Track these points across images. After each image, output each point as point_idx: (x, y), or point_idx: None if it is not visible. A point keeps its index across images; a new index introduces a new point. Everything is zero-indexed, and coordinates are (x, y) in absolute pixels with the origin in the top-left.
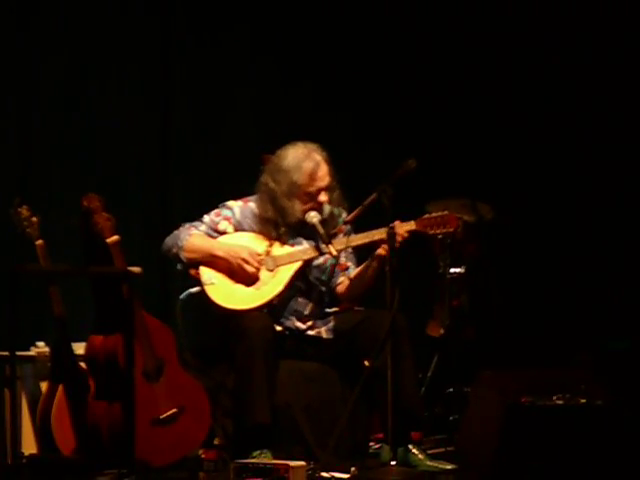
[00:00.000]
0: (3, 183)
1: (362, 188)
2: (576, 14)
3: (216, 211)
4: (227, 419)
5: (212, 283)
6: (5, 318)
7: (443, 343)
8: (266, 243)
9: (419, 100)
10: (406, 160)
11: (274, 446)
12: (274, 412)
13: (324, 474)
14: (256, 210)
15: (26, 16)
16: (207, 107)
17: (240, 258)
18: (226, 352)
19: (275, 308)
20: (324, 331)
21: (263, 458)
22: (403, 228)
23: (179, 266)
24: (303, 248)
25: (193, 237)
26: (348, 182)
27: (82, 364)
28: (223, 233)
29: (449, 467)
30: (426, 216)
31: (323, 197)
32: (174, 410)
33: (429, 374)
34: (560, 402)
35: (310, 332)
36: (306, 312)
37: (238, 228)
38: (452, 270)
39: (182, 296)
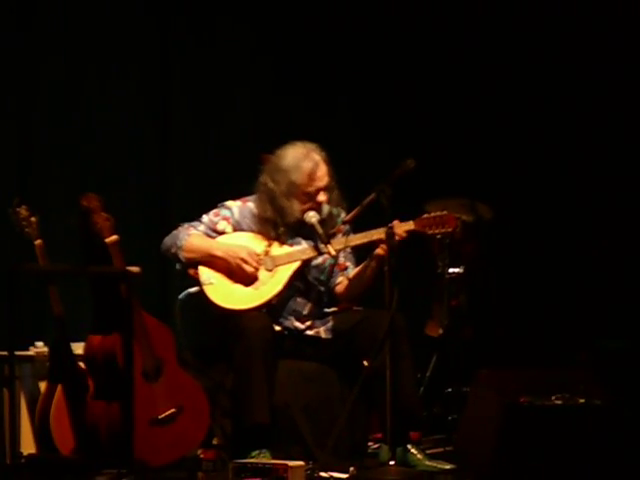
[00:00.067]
0: (2, 183)
1: (361, 188)
2: (575, 13)
3: (215, 211)
4: (226, 419)
5: (211, 283)
6: (4, 318)
7: (442, 343)
8: (265, 243)
9: (418, 100)
10: (405, 160)
11: (273, 446)
12: (273, 412)
13: (323, 474)
14: (255, 210)
15: (25, 16)
16: (206, 107)
17: (239, 258)
18: (225, 352)
19: (274, 308)
20: (323, 331)
21: (262, 458)
22: (402, 228)
23: (178, 266)
24: (302, 248)
25: (192, 237)
26: (347, 182)
27: (81, 364)
28: (222, 233)
29: (448, 467)
30: (425, 216)
31: (322, 197)
32: (173, 410)
33: (428, 374)
34: (559, 402)
35: (309, 332)
36: (305, 312)
37: (237, 228)
38: (451, 270)
39: (181, 296)
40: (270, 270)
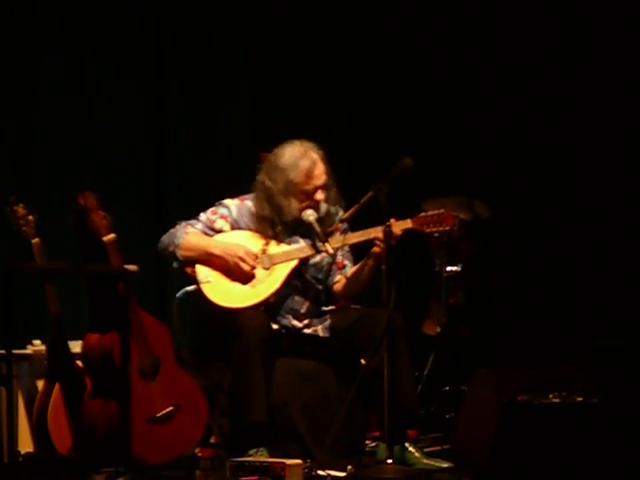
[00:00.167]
0: None
1: (358, 186)
2: (574, 11)
3: (213, 209)
4: (223, 417)
5: (208, 281)
6: (1, 316)
7: (439, 341)
8: (262, 241)
9: (416, 98)
10: (402, 158)
11: (270, 444)
12: (270, 410)
13: (320, 472)
14: (253, 208)
15: (24, 16)
16: (203, 106)
17: (236, 256)
18: (222, 350)
19: (271, 306)
20: (321, 329)
21: (259, 456)
22: (399, 226)
23: (175, 264)
24: (299, 246)
25: (189, 235)
26: (345, 180)
27: (78, 362)
28: (219, 231)
29: (445, 465)
30: (422, 214)
31: (320, 195)
32: (170, 408)
33: (425, 372)
34: (556, 400)
35: (307, 330)
36: (302, 310)
37: (235, 226)
38: (448, 268)
39: (178, 294)
40: (267, 268)
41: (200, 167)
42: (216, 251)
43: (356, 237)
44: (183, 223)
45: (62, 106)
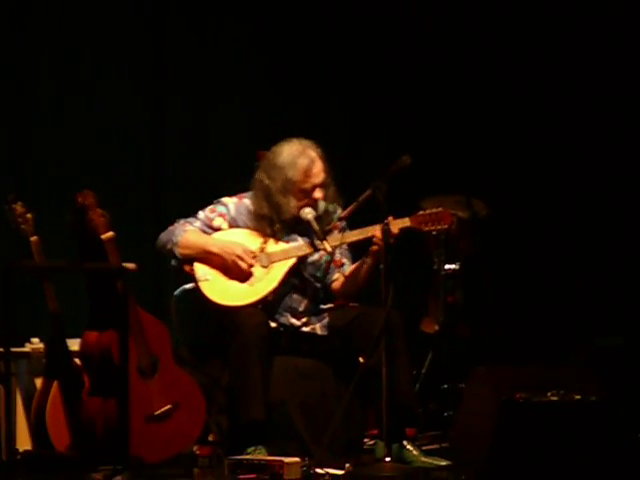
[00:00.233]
0: None
1: (357, 184)
2: (571, 10)
3: (211, 207)
4: (222, 415)
5: (206, 279)
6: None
7: (437, 339)
8: (261, 240)
9: (414, 96)
10: (400, 156)
11: (268, 442)
12: (268, 408)
13: (319, 470)
14: (251, 207)
15: (22, 16)
16: (201, 104)
17: (234, 254)
18: (220, 348)
19: (270, 305)
20: (319, 327)
21: (257, 454)
22: (398, 225)
23: (173, 262)
24: (298, 245)
25: (188, 233)
26: (343, 178)
27: (77, 360)
28: (218, 229)
29: (443, 463)
30: (420, 213)
31: (318, 194)
32: (168, 406)
33: (423, 370)
34: (554, 398)
35: (305, 329)
36: (301, 309)
37: (233, 224)
38: (447, 266)
39: (176, 292)
40: (266, 267)
41: (198, 165)
42: (214, 249)
43: (354, 235)
44: (181, 221)
45: (60, 104)
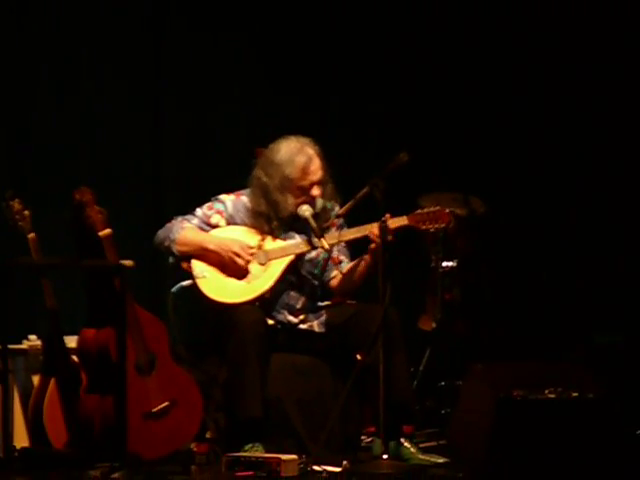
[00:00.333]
0: None
1: (354, 182)
2: (570, 9)
3: (208, 204)
4: (219, 412)
5: (204, 276)
6: None
7: (435, 337)
8: (258, 237)
9: (412, 94)
10: (398, 153)
11: (266, 439)
12: (266, 405)
13: (316, 467)
14: (249, 204)
15: (20, 16)
16: (199, 102)
17: (231, 252)
18: (218, 345)
19: (267, 302)
20: (316, 325)
21: (255, 451)
22: (395, 223)
23: (171, 259)
24: (295, 242)
25: (185, 230)
26: (340, 176)
27: (74, 357)
28: (215, 226)
29: (441, 460)
30: (418, 211)
31: (315, 191)
32: (166, 403)
33: (421, 368)
34: (552, 396)
35: (302, 326)
36: (298, 306)
37: (230, 222)
38: (444, 264)
39: (174, 289)
40: (263, 264)
41: (196, 162)
42: (211, 246)
43: (352, 233)
44: (179, 218)
45: (59, 102)
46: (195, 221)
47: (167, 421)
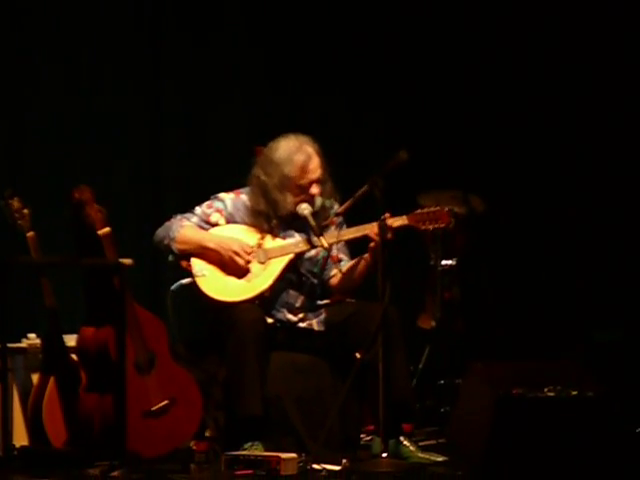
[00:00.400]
0: None
1: (354, 180)
2: (569, 8)
3: (208, 203)
4: (218, 411)
5: (203, 275)
6: None
7: (434, 335)
8: (258, 236)
9: (411, 92)
10: (398, 152)
11: (265, 438)
12: (265, 404)
13: (315, 466)
14: (248, 202)
15: (19, 15)
16: (198, 100)
17: (231, 250)
18: (217, 344)
19: (266, 300)
20: (315, 323)
21: (254, 450)
22: (395, 222)
23: (170, 257)
24: (295, 241)
25: (185, 229)
26: (340, 174)
27: (73, 356)
28: (215, 225)
29: (440, 459)
30: (418, 211)
31: (315, 189)
32: (165, 402)
33: (420, 366)
34: (551, 394)
35: (301, 324)
36: (297, 304)
37: (230, 220)
38: (444, 262)
39: (173, 288)
40: (263, 263)
41: (195, 161)
42: (211, 245)
43: (351, 233)
44: (178, 216)
45: (58, 101)
46: (194, 219)
47: (166, 420)
